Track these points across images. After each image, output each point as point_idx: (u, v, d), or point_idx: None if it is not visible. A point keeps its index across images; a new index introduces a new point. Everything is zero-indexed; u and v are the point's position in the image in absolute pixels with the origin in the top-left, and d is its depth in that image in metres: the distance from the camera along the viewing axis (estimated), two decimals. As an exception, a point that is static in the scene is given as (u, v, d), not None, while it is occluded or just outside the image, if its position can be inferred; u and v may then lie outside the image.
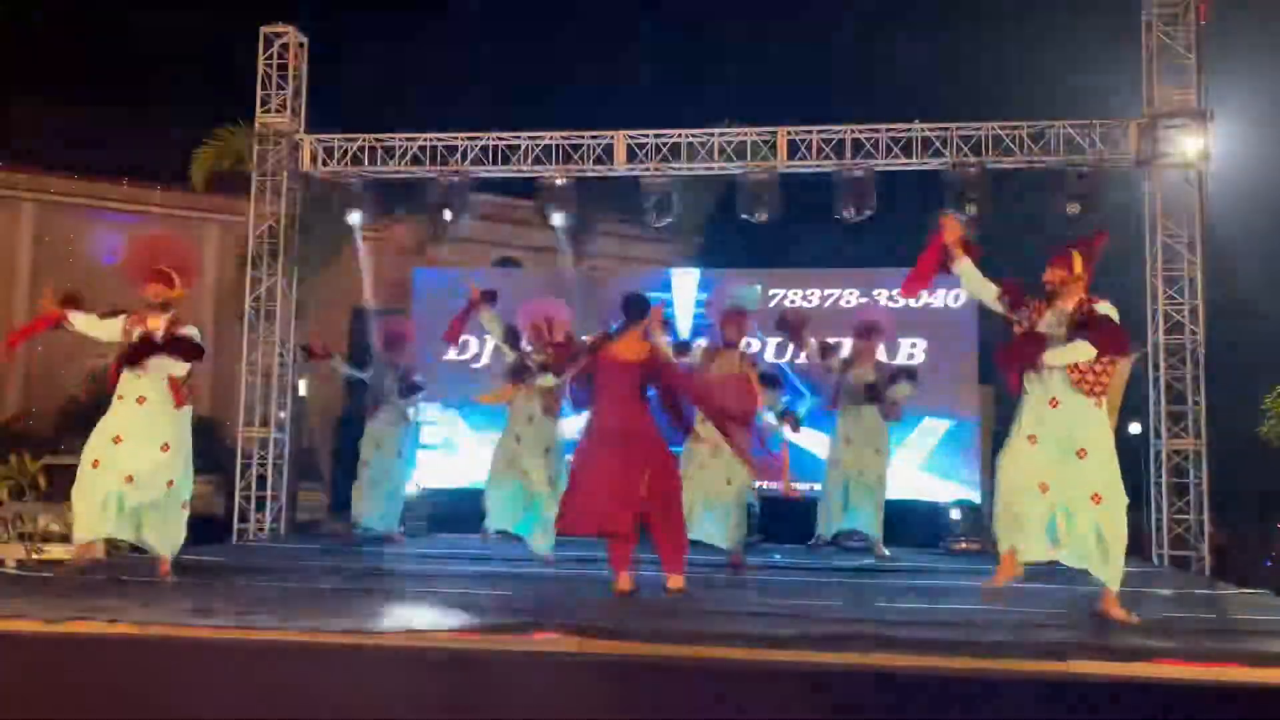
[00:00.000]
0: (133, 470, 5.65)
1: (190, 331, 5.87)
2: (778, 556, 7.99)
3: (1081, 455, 4.78)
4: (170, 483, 5.77)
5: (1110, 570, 4.78)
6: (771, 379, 7.90)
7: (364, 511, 8.73)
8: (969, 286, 5.26)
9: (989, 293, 5.14)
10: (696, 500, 7.02)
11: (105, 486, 5.64)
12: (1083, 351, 4.81)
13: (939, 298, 10.42)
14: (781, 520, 9.25)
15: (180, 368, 5.81)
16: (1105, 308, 4.87)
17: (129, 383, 5.75)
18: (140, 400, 5.72)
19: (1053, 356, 4.87)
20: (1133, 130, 9.22)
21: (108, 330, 5.92)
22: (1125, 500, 4.84)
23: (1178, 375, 8.95)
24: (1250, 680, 3.69)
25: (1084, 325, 4.82)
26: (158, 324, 5.84)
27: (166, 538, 5.86)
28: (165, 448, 5.72)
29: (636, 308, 5.69)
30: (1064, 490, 4.80)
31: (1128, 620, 4.72)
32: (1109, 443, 4.87)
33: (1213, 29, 9.02)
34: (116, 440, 5.68)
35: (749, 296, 7.75)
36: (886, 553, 8.26)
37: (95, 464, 5.65)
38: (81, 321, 5.94)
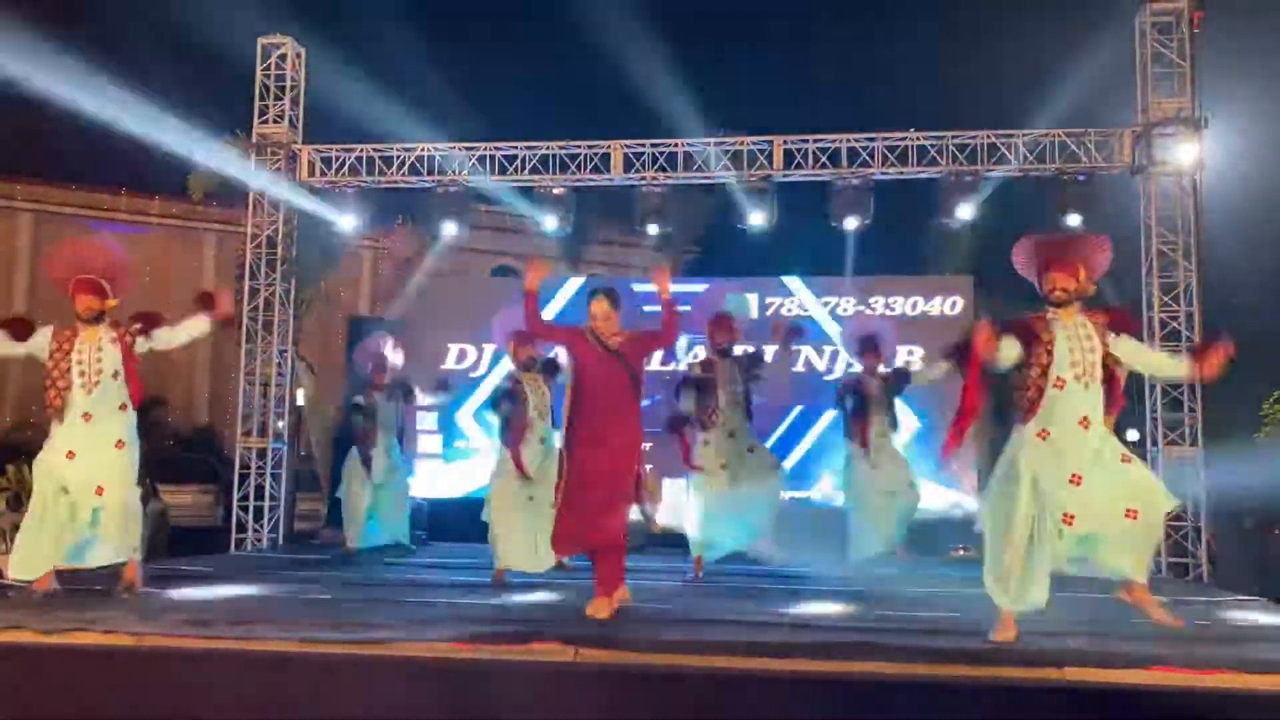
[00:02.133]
0: (101, 480, 5.52)
1: (136, 324, 5.73)
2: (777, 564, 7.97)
3: (1126, 460, 4.60)
4: (136, 467, 5.64)
5: (1137, 560, 4.61)
6: (756, 360, 7.76)
7: (356, 534, 8.73)
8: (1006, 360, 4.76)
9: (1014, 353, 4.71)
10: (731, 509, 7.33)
11: (64, 510, 5.53)
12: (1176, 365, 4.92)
13: (935, 305, 10.44)
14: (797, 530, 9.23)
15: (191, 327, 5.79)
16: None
17: (79, 402, 5.58)
18: (86, 417, 5.57)
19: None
20: (1127, 138, 9.25)
21: (25, 349, 5.66)
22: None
23: (1175, 382, 8.96)
24: (1247, 687, 3.70)
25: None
26: (97, 334, 5.60)
27: (123, 536, 5.66)
28: (120, 444, 5.59)
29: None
30: (1111, 491, 4.52)
31: (1171, 621, 4.64)
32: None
33: (1206, 37, 9.05)
34: (69, 455, 5.53)
35: (740, 305, 7.79)
36: (910, 557, 8.24)
37: (66, 490, 5.51)
38: None
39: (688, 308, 7.72)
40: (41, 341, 5.66)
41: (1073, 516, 4.49)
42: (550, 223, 9.99)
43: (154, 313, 5.86)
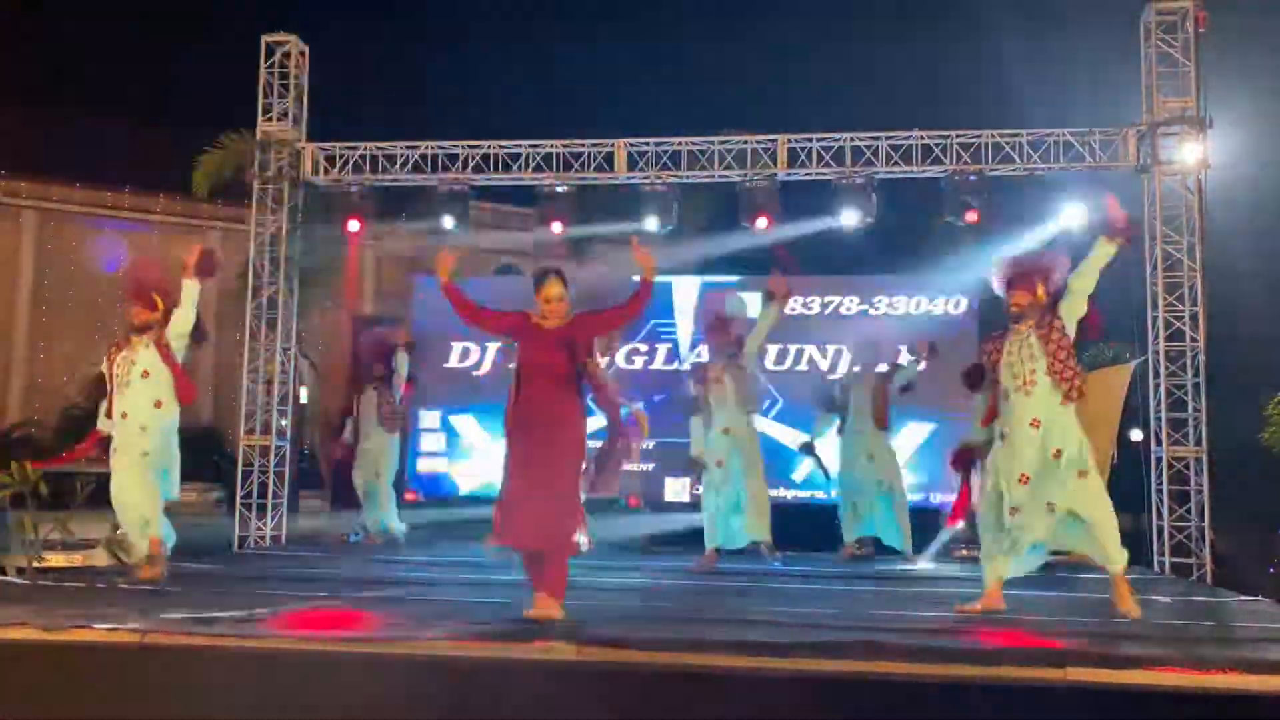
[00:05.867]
0: (123, 483, 5.97)
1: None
2: (777, 564, 7.98)
3: (1056, 455, 5.09)
4: (144, 454, 5.95)
5: (1110, 549, 5.12)
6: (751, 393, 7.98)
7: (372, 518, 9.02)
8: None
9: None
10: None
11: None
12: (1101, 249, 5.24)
13: (939, 305, 10.44)
14: (795, 527, 9.23)
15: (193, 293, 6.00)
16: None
17: (116, 404, 6.02)
18: (124, 416, 5.98)
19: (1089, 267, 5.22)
20: (1131, 138, 9.23)
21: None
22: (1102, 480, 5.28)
23: (1178, 382, 8.94)
24: (1250, 687, 3.69)
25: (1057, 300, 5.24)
26: (140, 342, 5.99)
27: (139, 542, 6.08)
28: (145, 455, 5.99)
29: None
30: (1056, 488, 5.11)
31: (1134, 614, 5.03)
32: (1080, 434, 5.17)
33: (1212, 36, 9.03)
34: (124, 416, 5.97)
35: (738, 306, 7.90)
36: (920, 561, 8.31)
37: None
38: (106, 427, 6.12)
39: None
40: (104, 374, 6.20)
41: (1016, 510, 5.15)
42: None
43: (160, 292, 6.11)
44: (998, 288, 5.45)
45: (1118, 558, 5.15)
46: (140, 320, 6.01)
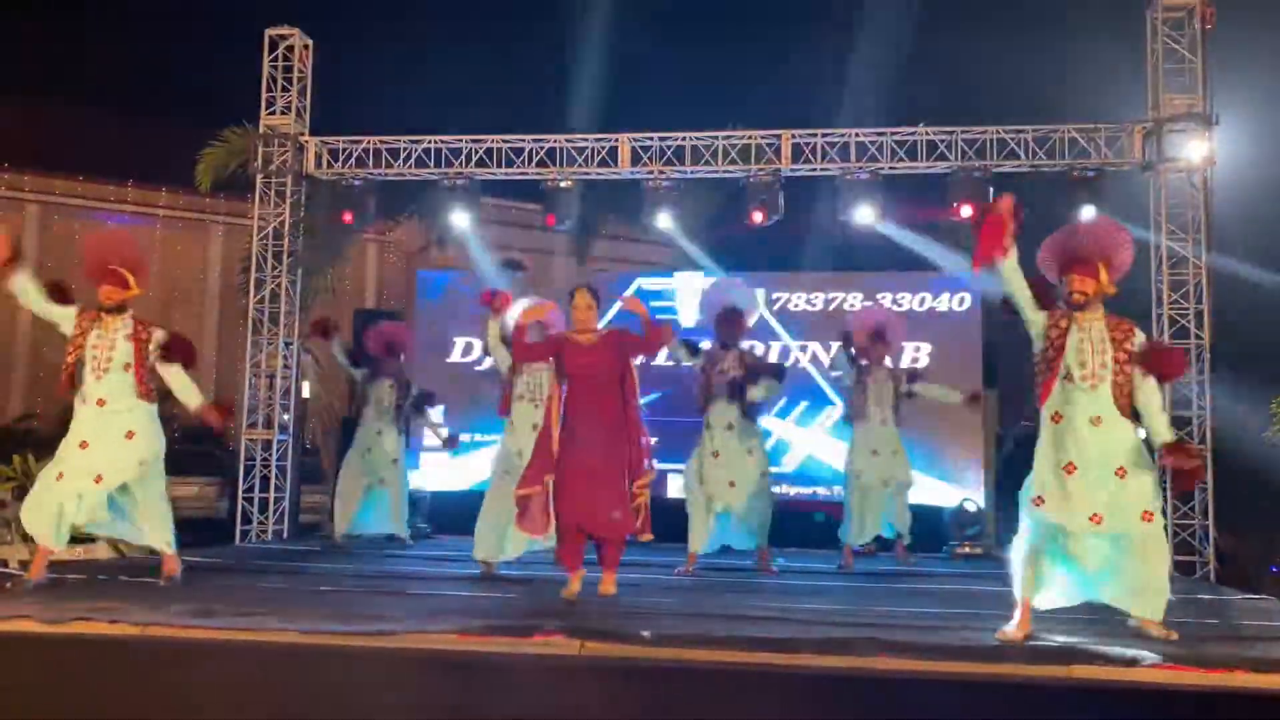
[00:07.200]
0: (101, 469, 5.55)
1: (162, 336, 5.80)
2: (781, 560, 7.97)
3: (1121, 474, 4.42)
4: (142, 462, 5.66)
5: (1153, 599, 4.46)
6: (771, 369, 7.78)
7: (346, 518, 8.54)
8: (1010, 283, 4.60)
9: (1025, 295, 4.61)
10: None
11: (67, 492, 5.51)
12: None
13: (943, 302, 10.42)
14: (793, 525, 9.18)
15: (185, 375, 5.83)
16: (1141, 337, 4.55)
17: (90, 387, 5.60)
18: (100, 403, 5.59)
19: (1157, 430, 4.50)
20: (1138, 134, 9.21)
21: (56, 314, 5.71)
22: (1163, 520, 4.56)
23: (1183, 380, 8.92)
24: (1254, 686, 3.68)
25: (1145, 359, 4.49)
26: (115, 324, 5.65)
27: (158, 529, 5.77)
28: (130, 435, 5.62)
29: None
30: (1114, 515, 4.40)
31: (1167, 636, 4.41)
32: (1148, 460, 4.51)
33: (1218, 33, 9.00)
34: (83, 445, 5.56)
35: (747, 300, 7.79)
36: (911, 558, 8.25)
37: (60, 476, 5.52)
38: (22, 285, 5.61)
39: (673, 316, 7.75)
40: (69, 313, 5.73)
41: (1042, 500, 4.43)
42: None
43: (185, 344, 5.91)
44: (1050, 271, 4.63)
45: (1157, 611, 4.49)
46: (114, 300, 5.68)
